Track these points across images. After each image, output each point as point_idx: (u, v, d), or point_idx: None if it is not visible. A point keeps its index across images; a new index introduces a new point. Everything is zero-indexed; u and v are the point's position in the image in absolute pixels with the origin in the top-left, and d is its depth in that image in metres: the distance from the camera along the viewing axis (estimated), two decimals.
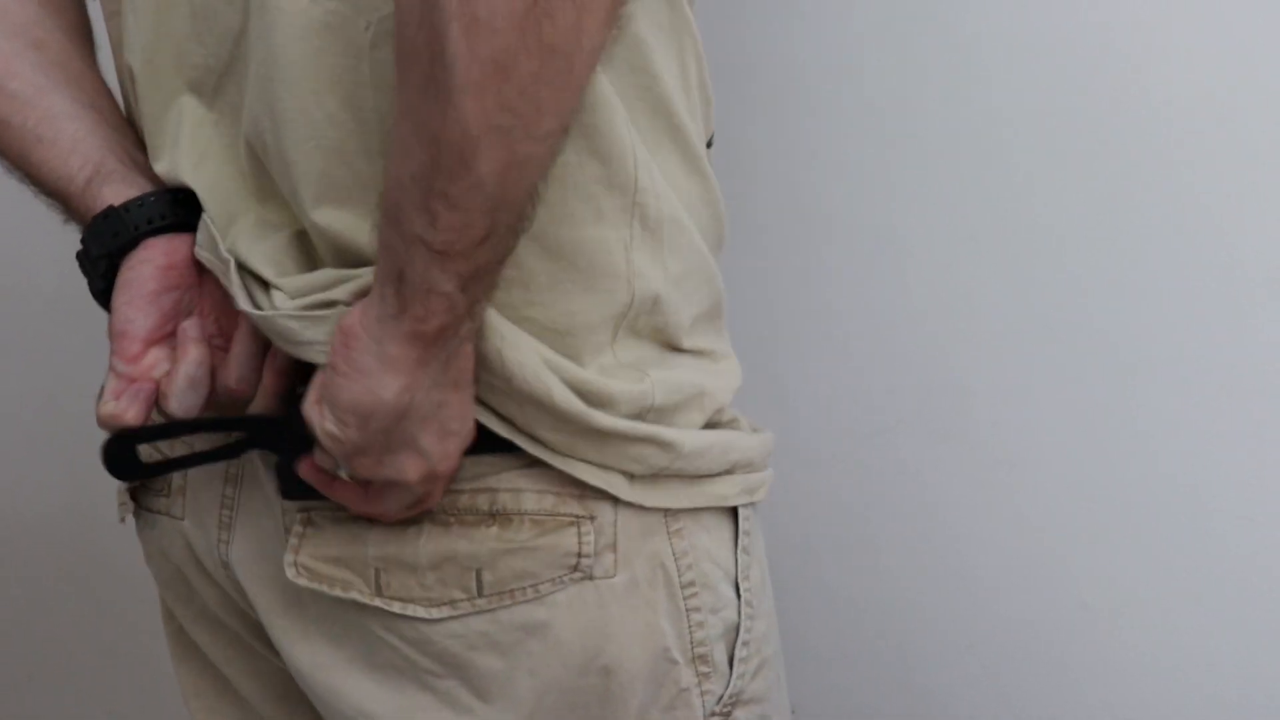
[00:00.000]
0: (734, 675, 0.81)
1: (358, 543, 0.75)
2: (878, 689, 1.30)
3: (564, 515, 0.75)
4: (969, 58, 1.19)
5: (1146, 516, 1.20)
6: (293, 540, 0.76)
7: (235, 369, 0.76)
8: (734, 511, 0.82)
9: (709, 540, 0.80)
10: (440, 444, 0.70)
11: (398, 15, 0.62)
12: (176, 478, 0.82)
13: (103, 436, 0.77)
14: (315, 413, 0.69)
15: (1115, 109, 1.16)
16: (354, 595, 0.75)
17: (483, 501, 0.75)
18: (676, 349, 0.79)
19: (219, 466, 0.80)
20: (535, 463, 0.75)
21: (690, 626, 0.79)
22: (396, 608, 0.75)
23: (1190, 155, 1.14)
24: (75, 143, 0.80)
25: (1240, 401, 1.16)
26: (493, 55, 0.59)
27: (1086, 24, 1.15)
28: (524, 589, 0.75)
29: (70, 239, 1.62)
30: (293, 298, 0.72)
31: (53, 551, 1.61)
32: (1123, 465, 1.20)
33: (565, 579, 0.75)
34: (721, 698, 0.81)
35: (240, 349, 0.76)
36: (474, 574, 0.74)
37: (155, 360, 0.76)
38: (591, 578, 0.76)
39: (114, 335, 0.76)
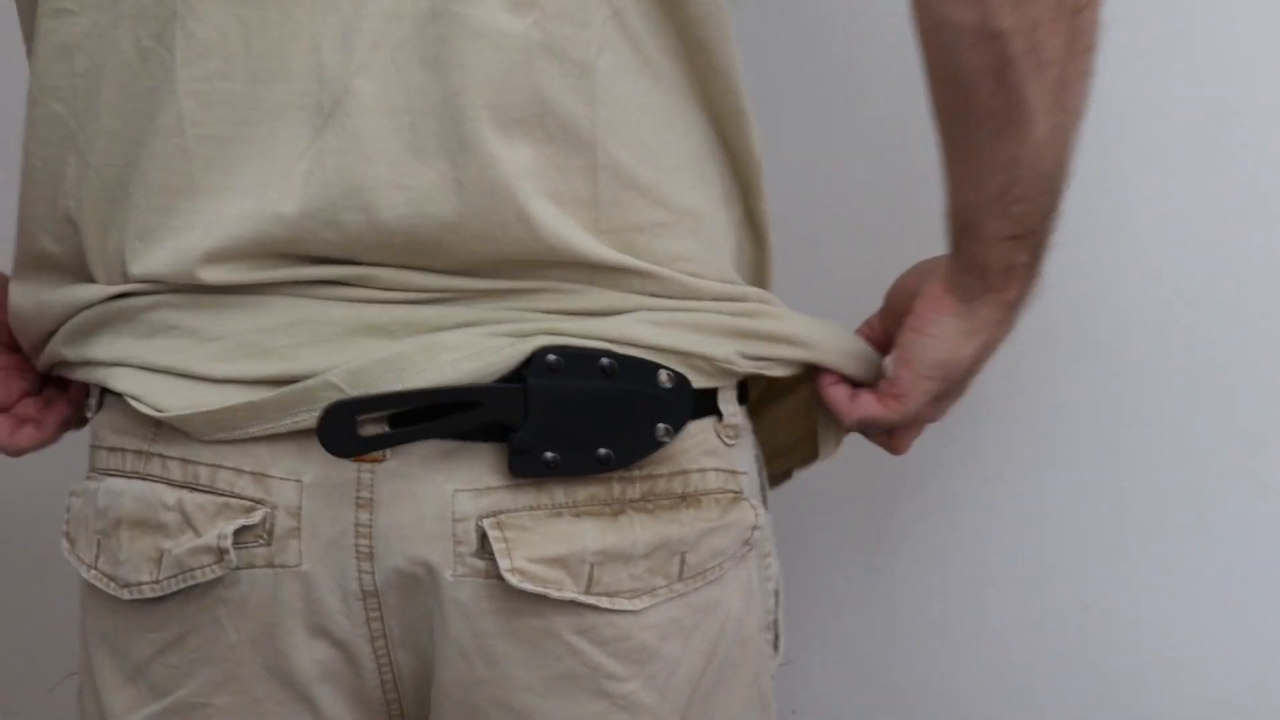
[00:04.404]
0: (781, 639, 0.86)
1: (576, 540, 0.74)
2: (877, 689, 1.30)
3: (731, 491, 0.78)
4: None
5: (1148, 516, 1.21)
6: (499, 545, 0.73)
7: None
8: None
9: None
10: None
11: (953, 82, 0.74)
12: (285, 519, 0.75)
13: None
14: (905, 372, 0.82)
15: (1116, 107, 1.16)
16: (568, 594, 0.74)
17: (678, 485, 0.77)
18: None
19: (349, 492, 0.76)
20: (713, 442, 0.78)
21: (769, 595, 0.83)
22: (605, 603, 0.74)
23: (1193, 153, 1.15)
24: None
25: (1243, 400, 1.17)
26: (1055, 80, 0.72)
27: None
28: (713, 568, 0.77)
29: None
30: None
31: (53, 550, 1.62)
32: (1124, 464, 1.21)
33: (739, 554, 0.78)
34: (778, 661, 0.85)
35: None
36: (679, 558, 0.76)
37: None
38: (750, 551, 0.80)
39: None
